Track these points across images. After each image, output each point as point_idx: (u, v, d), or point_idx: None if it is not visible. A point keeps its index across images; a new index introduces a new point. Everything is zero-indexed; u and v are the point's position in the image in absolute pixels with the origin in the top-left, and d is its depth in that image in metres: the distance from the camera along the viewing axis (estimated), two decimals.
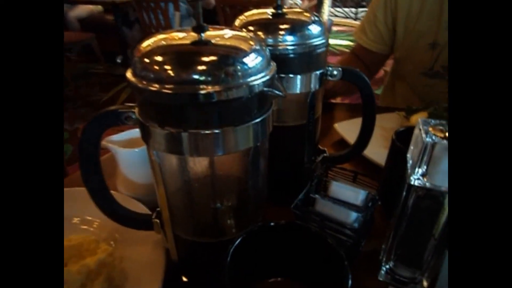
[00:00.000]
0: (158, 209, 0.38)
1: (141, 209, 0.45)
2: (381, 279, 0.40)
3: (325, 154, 0.51)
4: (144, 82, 0.27)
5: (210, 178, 0.34)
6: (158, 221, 0.36)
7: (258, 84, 0.28)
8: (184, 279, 0.39)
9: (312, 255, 0.30)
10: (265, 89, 0.28)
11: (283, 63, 0.38)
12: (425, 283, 0.38)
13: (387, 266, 0.40)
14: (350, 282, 0.25)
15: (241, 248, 0.28)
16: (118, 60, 3.27)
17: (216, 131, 0.29)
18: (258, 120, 0.30)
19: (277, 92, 0.30)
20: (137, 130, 0.52)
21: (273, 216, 0.42)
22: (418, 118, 0.68)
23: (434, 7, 0.78)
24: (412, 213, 0.35)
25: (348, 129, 0.71)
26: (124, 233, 0.42)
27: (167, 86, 0.27)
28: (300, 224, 0.32)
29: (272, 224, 0.30)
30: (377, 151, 0.58)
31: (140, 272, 0.38)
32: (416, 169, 0.32)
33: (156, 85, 0.27)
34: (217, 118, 0.29)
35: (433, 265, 0.37)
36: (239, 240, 0.28)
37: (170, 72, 0.27)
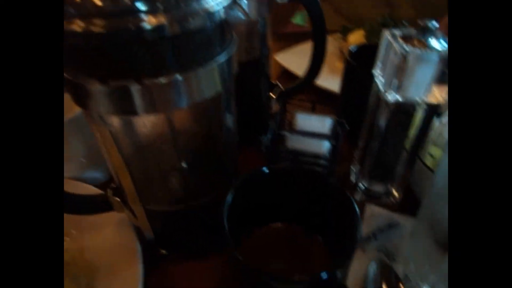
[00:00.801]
0: (113, 185, 0.32)
1: (88, 189, 0.37)
2: (357, 199, 0.41)
3: (279, 88, 0.48)
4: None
5: (173, 135, 0.29)
6: (118, 199, 0.31)
7: (219, 10, 0.22)
8: (163, 251, 0.35)
9: (309, 195, 0.29)
10: (237, 13, 0.23)
11: None
12: (396, 194, 0.41)
13: (362, 186, 0.41)
14: (357, 211, 0.24)
15: (234, 203, 0.25)
16: None
17: (175, 77, 0.23)
18: (224, 57, 0.25)
19: (240, 16, 0.24)
20: None
21: (244, 163, 0.39)
22: (355, 37, 0.68)
23: None
24: (384, 131, 0.35)
25: (290, 59, 0.68)
26: (75, 222, 0.35)
27: (96, 22, 0.19)
28: (291, 166, 0.30)
29: (262, 170, 0.27)
30: (324, 77, 0.57)
31: (112, 260, 0.32)
32: (390, 85, 0.31)
33: (81, 23, 0.19)
34: (173, 60, 0.22)
35: (403, 176, 0.39)
36: (230, 195, 0.25)
37: (97, 0, 0.19)
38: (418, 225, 0.32)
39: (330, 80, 0.58)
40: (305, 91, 0.52)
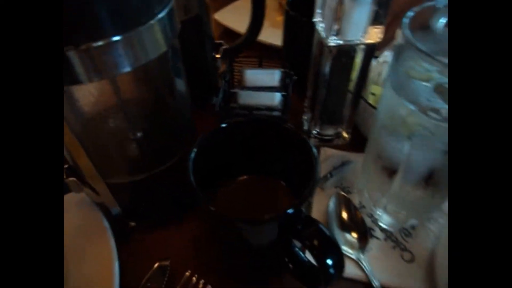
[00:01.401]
0: (66, 165, 0.30)
1: None
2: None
3: (224, 47, 0.47)
4: None
5: (123, 103, 0.27)
6: (74, 178, 0.29)
7: None
8: (132, 223, 0.35)
9: (268, 144, 0.30)
10: None
11: None
12: (345, 135, 0.44)
13: (314, 132, 0.43)
14: (313, 149, 0.26)
15: (198, 160, 0.25)
16: None
17: (114, 39, 0.21)
18: (164, 12, 0.24)
19: None
20: None
21: (200, 127, 0.39)
22: None
23: None
24: (329, 76, 0.37)
25: (229, 17, 0.66)
26: None
27: None
28: (248, 118, 0.31)
29: (221, 126, 0.28)
30: (266, 33, 0.57)
31: (82, 241, 0.31)
32: (331, 30, 0.32)
33: None
34: (110, 21, 0.21)
35: (350, 117, 0.42)
36: (193, 152, 0.25)
37: None
38: (367, 158, 0.36)
39: (272, 35, 0.58)
40: (250, 48, 0.51)
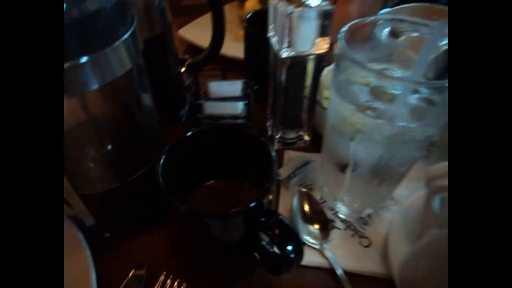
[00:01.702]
0: None
1: None
2: (276, 148, 0.47)
3: (188, 61, 0.50)
4: None
5: (92, 119, 0.29)
6: None
7: None
8: (107, 235, 0.36)
9: (232, 149, 0.32)
10: None
11: None
12: (306, 137, 0.47)
13: (278, 136, 0.47)
14: (270, 149, 0.29)
15: (167, 166, 0.28)
16: None
17: (81, 60, 0.24)
18: (128, 34, 0.26)
19: None
20: None
21: (169, 138, 0.41)
22: (251, 4, 0.72)
23: None
24: (285, 85, 0.40)
25: (193, 33, 0.69)
26: None
27: None
28: (210, 126, 0.33)
29: (186, 135, 0.30)
30: (229, 46, 0.60)
31: None
32: (282, 43, 0.36)
33: None
34: (77, 42, 0.23)
35: (308, 121, 0.46)
36: (162, 159, 0.27)
37: None
38: (323, 156, 0.39)
39: (235, 48, 0.61)
40: (214, 61, 0.54)
